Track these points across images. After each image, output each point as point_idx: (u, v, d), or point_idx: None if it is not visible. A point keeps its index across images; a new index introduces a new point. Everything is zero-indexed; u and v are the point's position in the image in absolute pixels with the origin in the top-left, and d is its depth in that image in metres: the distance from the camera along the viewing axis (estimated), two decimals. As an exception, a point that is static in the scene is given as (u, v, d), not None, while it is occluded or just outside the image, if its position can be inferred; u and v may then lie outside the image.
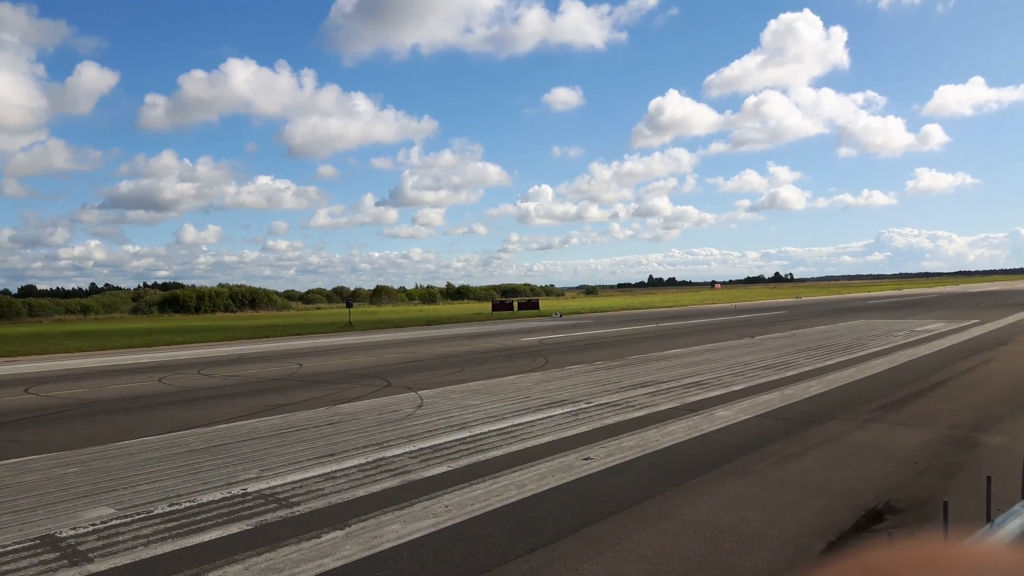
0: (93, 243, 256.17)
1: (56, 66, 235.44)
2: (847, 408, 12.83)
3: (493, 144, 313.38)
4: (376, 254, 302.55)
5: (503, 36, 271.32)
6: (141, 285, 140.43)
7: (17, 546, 6.82)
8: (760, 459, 9.41)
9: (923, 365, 18.94)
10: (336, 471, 9.28)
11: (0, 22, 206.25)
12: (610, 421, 12.08)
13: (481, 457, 9.79)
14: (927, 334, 28.56)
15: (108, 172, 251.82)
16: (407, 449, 10.42)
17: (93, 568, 6.21)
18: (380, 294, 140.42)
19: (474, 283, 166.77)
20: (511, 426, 11.87)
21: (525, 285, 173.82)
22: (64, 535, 7.10)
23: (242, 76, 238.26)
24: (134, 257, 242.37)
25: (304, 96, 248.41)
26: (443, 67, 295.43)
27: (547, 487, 8.30)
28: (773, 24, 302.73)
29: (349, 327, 48.58)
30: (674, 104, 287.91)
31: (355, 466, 9.51)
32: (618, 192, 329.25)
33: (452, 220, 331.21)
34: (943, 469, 8.87)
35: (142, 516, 7.63)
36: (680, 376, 17.56)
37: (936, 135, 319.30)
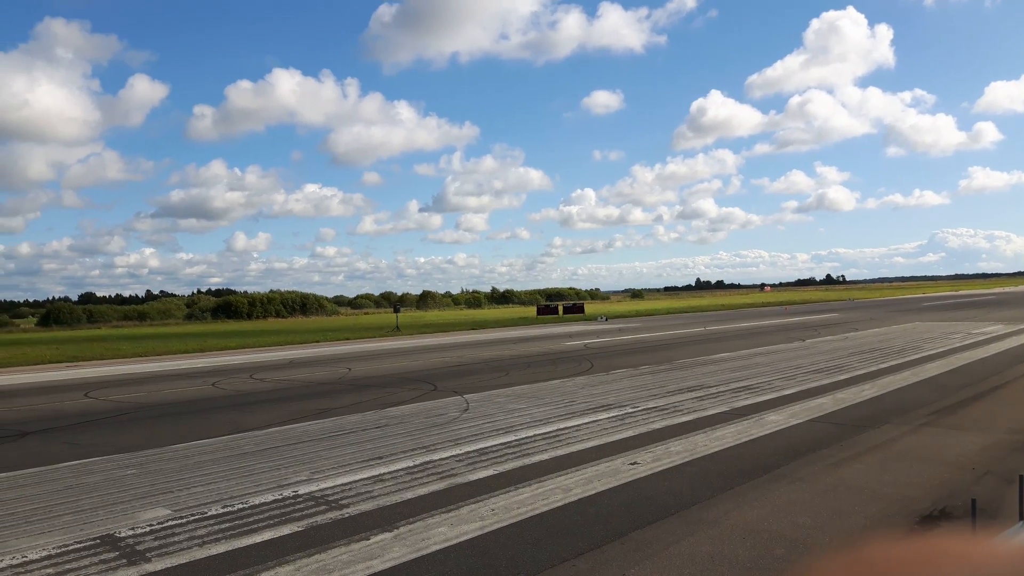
0: (148, 251, 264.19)
1: (109, 80, 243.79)
2: (901, 412, 12.54)
3: (534, 149, 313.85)
4: (421, 259, 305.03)
5: (540, 42, 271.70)
6: (195, 292, 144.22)
7: (79, 545, 7.05)
8: (811, 464, 9.26)
9: (980, 368, 18.41)
10: (384, 474, 9.39)
11: (56, 38, 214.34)
12: (657, 426, 12.00)
13: (527, 461, 9.81)
14: (984, 337, 27.74)
15: (160, 182, 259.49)
16: (453, 452, 10.49)
17: (150, 567, 6.38)
18: (426, 299, 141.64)
19: (518, 287, 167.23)
20: (556, 430, 11.87)
21: (570, 289, 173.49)
22: (123, 535, 7.31)
23: (287, 86, 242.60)
24: (187, 264, 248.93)
25: (348, 105, 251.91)
26: (482, 74, 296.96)
27: (593, 491, 8.28)
28: (816, 23, 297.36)
29: (396, 331, 49.05)
30: (716, 105, 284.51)
31: (403, 469, 9.61)
32: (661, 195, 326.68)
33: (495, 225, 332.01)
34: (1002, 475, 8.61)
35: (197, 517, 7.82)
36: (728, 380, 17.35)
37: (989, 133, 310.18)
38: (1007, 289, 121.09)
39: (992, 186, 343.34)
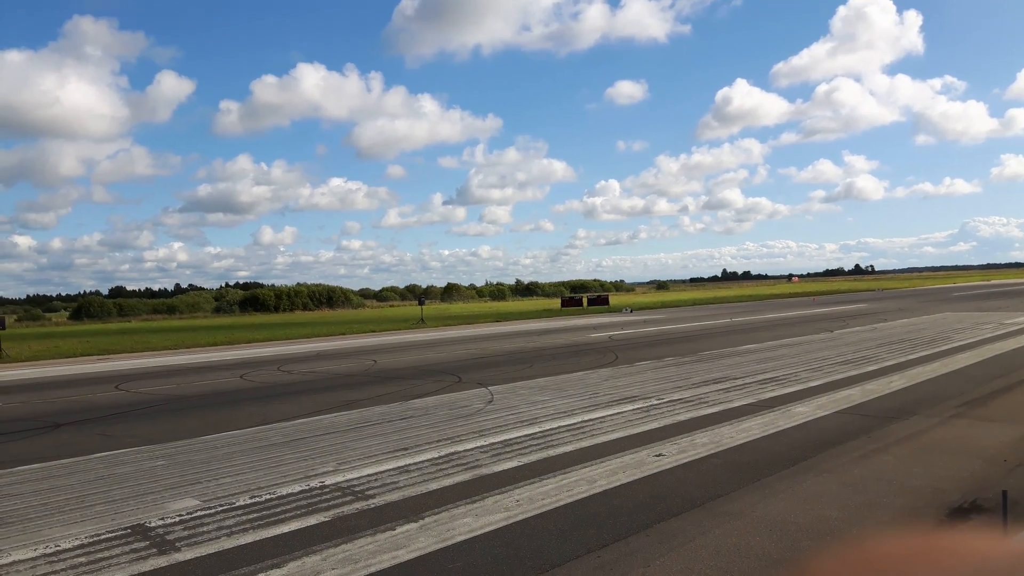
0: (176, 245, 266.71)
1: (137, 77, 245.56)
2: (931, 404, 12.38)
3: (557, 140, 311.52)
4: (446, 252, 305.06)
5: (563, 33, 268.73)
6: (223, 285, 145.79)
7: (111, 535, 7.17)
8: (838, 456, 9.18)
9: (1012, 360, 18.11)
10: (410, 465, 9.45)
11: (85, 36, 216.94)
12: (682, 417, 11.95)
13: (551, 452, 9.82)
14: (1017, 327, 27.28)
15: (187, 177, 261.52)
16: (478, 444, 10.52)
17: (180, 557, 6.48)
18: (451, 291, 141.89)
19: (542, 279, 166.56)
20: (581, 422, 11.87)
21: (594, 281, 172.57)
22: (153, 525, 7.43)
23: (312, 80, 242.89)
24: (215, 258, 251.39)
25: (372, 99, 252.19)
26: (505, 66, 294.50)
27: (618, 483, 8.28)
28: (843, 10, 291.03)
29: (421, 324, 49.26)
30: (741, 94, 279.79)
31: (428, 460, 9.67)
32: (686, 185, 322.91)
33: (519, 217, 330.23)
34: (1035, 468, 8.48)
35: (225, 508, 7.92)
36: (755, 372, 17.23)
37: (1021, 119, 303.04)
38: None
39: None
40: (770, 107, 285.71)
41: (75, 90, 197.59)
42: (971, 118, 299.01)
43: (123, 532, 7.23)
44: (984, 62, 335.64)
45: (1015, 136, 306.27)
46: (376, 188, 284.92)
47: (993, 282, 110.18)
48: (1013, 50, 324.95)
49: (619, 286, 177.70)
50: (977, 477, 8.12)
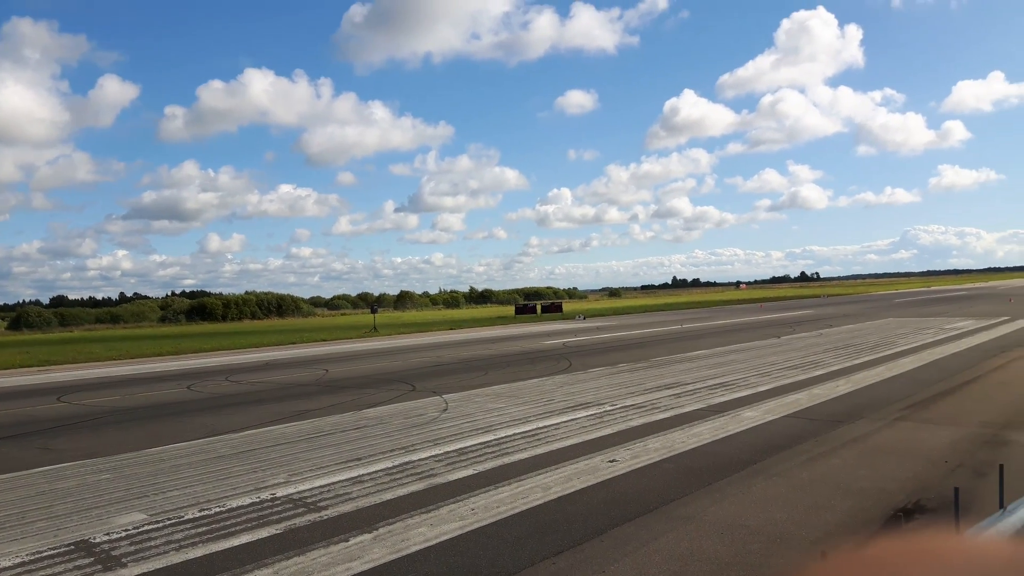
0: (120, 253, 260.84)
1: (78, 80, 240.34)
2: (875, 407, 12.70)
3: (509, 149, 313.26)
4: (398, 260, 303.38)
5: (513, 42, 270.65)
6: (169, 294, 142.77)
7: (53, 552, 6.95)
8: (787, 460, 9.36)
9: (952, 363, 18.69)
10: (363, 475, 9.35)
11: (23, 38, 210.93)
12: (635, 423, 12.06)
13: (506, 460, 9.82)
14: (956, 332, 28.17)
15: (131, 183, 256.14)
16: (433, 453, 10.47)
17: (126, 573, 6.31)
18: (404, 299, 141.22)
19: (496, 287, 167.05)
20: (535, 429, 11.89)
21: (548, 288, 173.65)
22: (98, 540, 7.22)
23: (260, 86, 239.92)
24: (160, 266, 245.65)
25: (321, 105, 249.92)
26: (455, 74, 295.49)
27: (572, 489, 8.31)
28: (786, 23, 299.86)
29: (374, 332, 48.85)
30: (689, 105, 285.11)
31: (382, 470, 9.58)
32: (636, 194, 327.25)
33: (472, 225, 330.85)
34: (974, 468, 8.76)
35: (173, 521, 7.74)
36: (705, 377, 17.48)
37: (957, 131, 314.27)
38: (978, 285, 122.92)
39: (961, 184, 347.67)
40: (716, 118, 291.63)
41: (12, 93, 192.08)
42: (910, 130, 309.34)
43: (66, 548, 7.01)
44: (921, 75, 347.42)
45: (951, 147, 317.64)
46: (326, 195, 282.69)
47: (933, 288, 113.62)
48: (949, 64, 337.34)
49: (572, 293, 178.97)
50: (921, 478, 8.35)
